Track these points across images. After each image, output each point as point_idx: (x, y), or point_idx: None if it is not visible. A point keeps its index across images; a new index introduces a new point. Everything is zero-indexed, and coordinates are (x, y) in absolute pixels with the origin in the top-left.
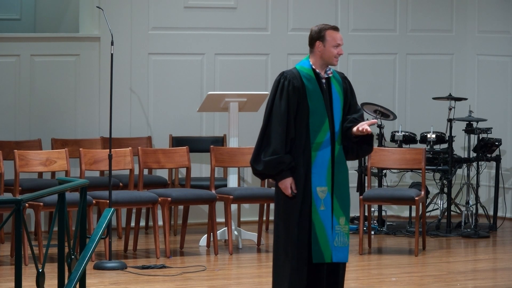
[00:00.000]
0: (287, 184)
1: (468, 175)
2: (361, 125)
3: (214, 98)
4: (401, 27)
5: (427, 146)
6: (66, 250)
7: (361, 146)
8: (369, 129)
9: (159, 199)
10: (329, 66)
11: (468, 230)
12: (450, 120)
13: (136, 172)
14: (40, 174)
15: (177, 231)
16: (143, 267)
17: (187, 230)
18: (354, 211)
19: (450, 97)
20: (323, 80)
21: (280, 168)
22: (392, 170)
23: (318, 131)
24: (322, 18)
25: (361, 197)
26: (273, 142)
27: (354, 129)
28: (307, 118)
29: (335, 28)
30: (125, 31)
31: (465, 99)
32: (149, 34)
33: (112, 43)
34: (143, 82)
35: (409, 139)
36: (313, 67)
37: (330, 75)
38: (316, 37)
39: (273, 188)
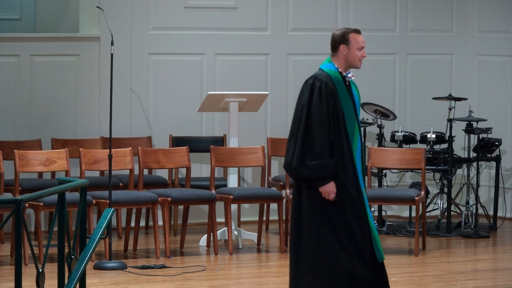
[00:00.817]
0: (331, 189)
1: (468, 175)
2: None
3: (214, 98)
4: (401, 27)
5: (427, 146)
6: (66, 250)
7: None
8: None
9: (159, 199)
10: (349, 70)
11: (468, 230)
12: (450, 120)
13: (136, 172)
14: (40, 174)
15: (177, 231)
16: (143, 267)
17: (187, 230)
18: None
19: (450, 97)
20: (347, 83)
21: (326, 173)
22: (392, 170)
23: (353, 134)
24: (322, 18)
25: None
26: (317, 146)
27: None
28: (344, 123)
29: (358, 31)
30: (125, 31)
31: (465, 99)
32: (149, 34)
33: (112, 43)
34: (143, 82)
35: (409, 139)
36: (339, 70)
37: (352, 78)
38: (340, 41)
39: (274, 189)
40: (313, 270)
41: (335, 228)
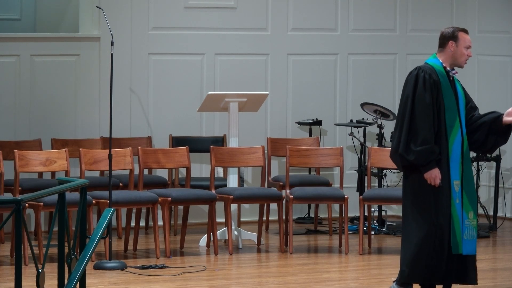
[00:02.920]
0: (436, 174)
1: None
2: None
3: (214, 98)
4: (401, 27)
5: None
6: (66, 250)
7: (501, 137)
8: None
9: (159, 199)
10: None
11: None
12: None
13: (136, 172)
14: (40, 174)
15: (177, 231)
16: (143, 267)
17: (187, 230)
18: (354, 211)
19: None
20: (451, 79)
21: (431, 158)
22: (392, 170)
23: (452, 126)
24: (322, 18)
25: (361, 197)
26: (421, 132)
27: (506, 119)
28: (443, 114)
29: (466, 31)
30: (125, 31)
31: None
32: (149, 34)
33: (112, 43)
34: (143, 82)
35: None
36: (444, 65)
37: (456, 74)
38: (449, 37)
39: (274, 189)
40: (404, 255)
41: (424, 218)
